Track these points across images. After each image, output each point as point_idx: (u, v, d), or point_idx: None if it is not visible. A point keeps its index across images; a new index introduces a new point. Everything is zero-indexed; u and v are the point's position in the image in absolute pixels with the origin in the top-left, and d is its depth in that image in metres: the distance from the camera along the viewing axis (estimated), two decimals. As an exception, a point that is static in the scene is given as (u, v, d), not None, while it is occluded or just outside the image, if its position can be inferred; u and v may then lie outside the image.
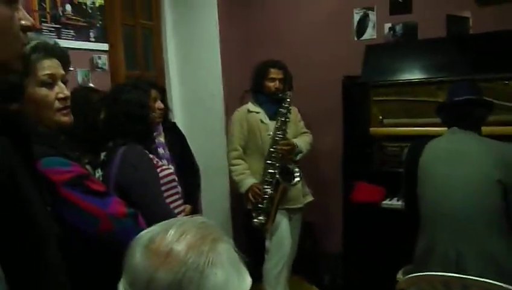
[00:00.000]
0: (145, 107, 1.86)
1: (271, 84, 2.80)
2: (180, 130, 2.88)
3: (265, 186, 2.68)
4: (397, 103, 2.70)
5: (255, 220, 2.70)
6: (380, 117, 2.72)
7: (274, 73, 2.80)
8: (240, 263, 0.75)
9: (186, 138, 2.88)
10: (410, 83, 2.67)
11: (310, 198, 2.93)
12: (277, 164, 2.67)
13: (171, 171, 2.00)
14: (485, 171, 1.84)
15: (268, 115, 2.81)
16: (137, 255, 0.71)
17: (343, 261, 2.93)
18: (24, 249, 0.86)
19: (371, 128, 2.73)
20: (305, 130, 2.98)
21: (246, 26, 3.56)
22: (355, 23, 3.22)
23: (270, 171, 2.68)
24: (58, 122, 1.28)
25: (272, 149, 2.69)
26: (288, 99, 2.71)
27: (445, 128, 2.07)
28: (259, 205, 2.68)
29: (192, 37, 3.48)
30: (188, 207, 2.34)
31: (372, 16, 3.17)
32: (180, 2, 3.45)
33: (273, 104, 2.80)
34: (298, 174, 2.67)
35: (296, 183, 2.68)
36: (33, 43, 1.23)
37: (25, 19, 0.87)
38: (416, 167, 2.01)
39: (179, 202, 1.97)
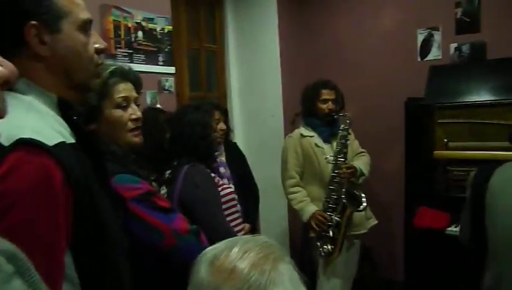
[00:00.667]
0: (207, 128, 1.93)
1: (324, 106, 2.67)
2: (240, 150, 2.94)
3: (330, 213, 2.55)
4: (463, 126, 2.59)
5: (322, 249, 2.55)
6: (445, 140, 2.62)
7: (326, 94, 2.68)
8: (300, 284, 0.76)
9: (246, 157, 2.93)
10: (478, 105, 2.56)
11: (373, 221, 2.77)
12: (342, 189, 2.54)
13: (232, 190, 2.05)
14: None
15: (322, 139, 2.70)
16: (202, 271, 0.74)
17: (403, 288, 2.81)
18: (97, 254, 0.93)
19: (435, 152, 2.64)
20: (361, 149, 2.84)
21: (307, 48, 3.60)
22: (419, 44, 3.16)
23: (333, 196, 2.55)
24: (130, 142, 1.37)
25: (333, 174, 2.57)
26: (348, 121, 2.62)
27: None
28: (325, 233, 2.54)
29: (254, 59, 3.57)
30: (247, 226, 2.36)
31: (437, 36, 3.09)
32: (243, 26, 3.57)
33: (326, 127, 2.70)
34: (364, 199, 2.55)
35: (364, 209, 2.56)
36: (111, 68, 1.35)
37: (98, 42, 1.00)
38: (485, 192, 1.91)
39: (239, 220, 2.01)
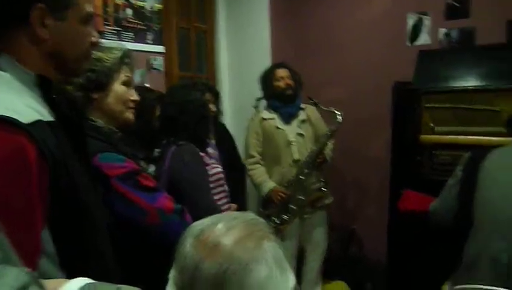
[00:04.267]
0: (205, 107, 1.94)
1: (280, 83, 2.82)
2: (229, 132, 2.94)
3: (292, 191, 2.73)
4: (450, 111, 2.61)
5: (279, 219, 2.71)
6: (432, 124, 2.65)
7: (280, 72, 2.84)
8: (285, 262, 0.77)
9: (235, 139, 2.94)
10: (465, 90, 2.58)
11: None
12: (312, 175, 2.74)
13: (220, 170, 2.06)
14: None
15: (283, 120, 2.83)
16: (187, 245, 0.75)
17: (387, 270, 2.88)
18: (76, 232, 0.94)
19: (422, 136, 2.66)
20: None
21: (297, 32, 3.58)
22: (409, 28, 3.16)
23: (301, 178, 2.71)
24: (128, 118, 1.46)
25: (308, 159, 2.73)
26: (339, 120, 2.70)
27: (503, 139, 2.04)
28: (289, 205, 2.72)
29: (244, 42, 3.55)
30: (233, 206, 2.39)
31: (427, 21, 3.09)
32: (234, 8, 3.54)
33: (287, 107, 2.82)
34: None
35: (329, 203, 2.82)
36: (124, 48, 1.47)
37: (93, 35, 1.03)
38: (477, 171, 1.96)
39: (226, 200, 2.03)
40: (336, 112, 2.72)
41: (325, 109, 2.76)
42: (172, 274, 0.76)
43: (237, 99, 3.58)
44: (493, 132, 2.42)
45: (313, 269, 2.99)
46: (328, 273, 3.14)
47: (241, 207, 2.62)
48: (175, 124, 1.86)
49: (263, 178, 2.80)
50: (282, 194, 2.72)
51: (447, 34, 3.03)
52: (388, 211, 2.80)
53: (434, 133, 2.65)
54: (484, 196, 1.93)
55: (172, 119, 1.87)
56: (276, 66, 2.93)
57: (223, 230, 0.75)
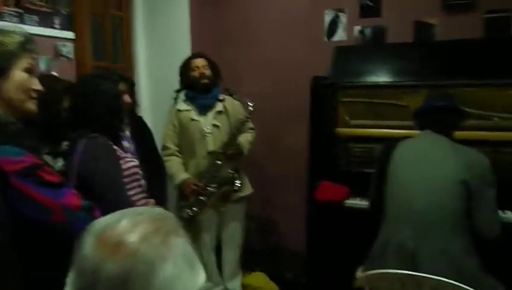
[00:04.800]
0: (119, 99, 1.84)
1: (196, 73, 2.81)
2: (146, 124, 2.84)
3: (206, 183, 2.73)
4: (364, 105, 2.74)
5: (190, 210, 2.72)
6: (347, 118, 2.76)
7: (196, 62, 2.83)
8: (195, 258, 0.73)
9: (153, 132, 2.85)
10: (376, 86, 2.72)
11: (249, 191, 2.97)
12: (224, 166, 2.74)
13: (135, 164, 1.96)
14: (449, 172, 1.91)
15: (199, 111, 2.82)
16: (87, 244, 0.69)
17: (306, 259, 2.95)
18: None
19: (338, 129, 2.77)
20: (251, 125, 2.94)
21: (217, 21, 3.53)
22: (326, 24, 3.25)
23: (214, 170, 2.72)
24: (29, 108, 1.34)
25: (220, 150, 2.74)
26: (250, 108, 2.73)
27: (410, 131, 2.18)
28: (197, 199, 2.73)
29: (163, 29, 3.43)
30: (151, 201, 2.31)
31: (343, 18, 3.20)
32: (152, -6, 3.41)
33: (203, 98, 2.82)
34: (238, 181, 2.80)
35: (238, 190, 2.81)
36: (25, 32, 1.35)
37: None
38: (388, 165, 2.07)
39: (141, 195, 1.94)
40: (248, 102, 2.76)
41: (238, 99, 2.80)
42: (70, 277, 0.70)
43: (155, 91, 3.47)
44: (403, 125, 2.57)
45: (230, 261, 2.99)
46: (248, 264, 3.16)
47: (161, 202, 2.54)
48: (86, 116, 1.75)
49: (176, 169, 2.79)
50: (194, 186, 2.71)
51: (361, 32, 3.16)
52: (306, 202, 2.87)
53: (349, 126, 2.76)
54: (393, 186, 2.06)
55: (83, 111, 1.75)
56: (193, 56, 2.91)
57: (127, 227, 0.69)
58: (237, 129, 2.77)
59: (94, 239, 0.69)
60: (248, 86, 3.24)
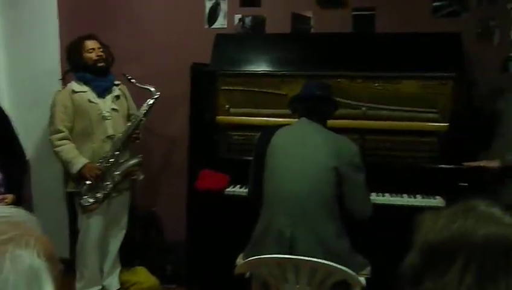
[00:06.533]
0: None
1: (91, 55, 2.70)
2: (3, 111, 2.53)
3: (107, 167, 2.65)
4: (243, 93, 2.76)
5: (87, 197, 2.59)
6: (227, 106, 2.76)
7: (91, 44, 2.72)
8: (41, 271, 0.60)
9: (13, 121, 2.55)
10: (256, 75, 2.76)
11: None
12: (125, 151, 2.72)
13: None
14: (321, 159, 2.00)
15: (96, 93, 2.70)
16: None
17: (186, 250, 2.91)
18: None
19: (218, 117, 2.75)
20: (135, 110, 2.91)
21: (92, 2, 3.26)
22: (207, 11, 3.20)
23: (116, 154, 2.66)
24: None
25: (124, 135, 2.69)
26: (155, 96, 2.74)
27: (289, 120, 2.25)
28: (99, 184, 2.62)
29: (24, 6, 3.06)
30: (10, 196, 2.14)
31: (224, 6, 3.18)
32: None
33: (101, 81, 2.71)
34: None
35: (138, 177, 2.79)
36: None
37: None
38: (265, 152, 2.10)
39: (-2, 190, 1.72)
40: (151, 88, 2.73)
41: (141, 86, 2.74)
42: None
43: (15, 74, 3.08)
44: (282, 114, 2.64)
45: (112, 253, 2.88)
46: (128, 259, 3.02)
47: (20, 197, 2.28)
48: None
49: (74, 154, 2.61)
50: (98, 171, 2.59)
51: (241, 20, 3.17)
52: (187, 191, 2.82)
53: (229, 114, 2.76)
54: (270, 173, 2.10)
55: None
56: (85, 37, 2.74)
57: None
58: (143, 115, 2.73)
59: None
60: (129, 70, 3.04)
